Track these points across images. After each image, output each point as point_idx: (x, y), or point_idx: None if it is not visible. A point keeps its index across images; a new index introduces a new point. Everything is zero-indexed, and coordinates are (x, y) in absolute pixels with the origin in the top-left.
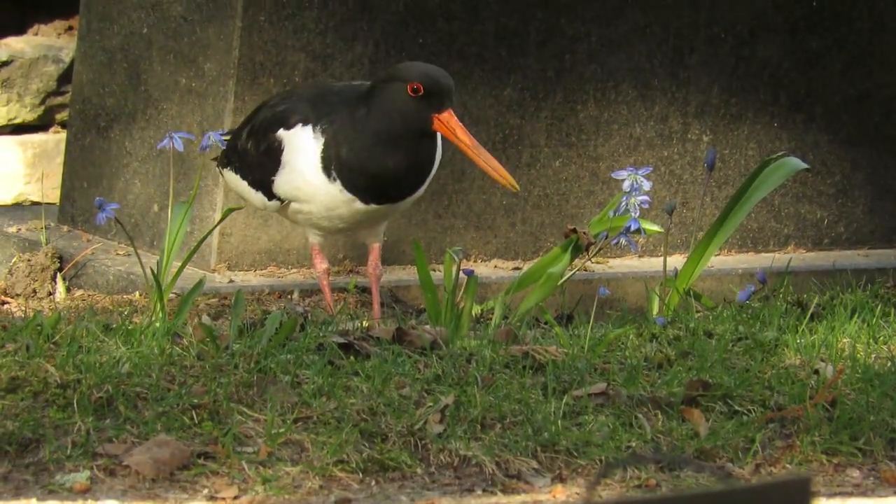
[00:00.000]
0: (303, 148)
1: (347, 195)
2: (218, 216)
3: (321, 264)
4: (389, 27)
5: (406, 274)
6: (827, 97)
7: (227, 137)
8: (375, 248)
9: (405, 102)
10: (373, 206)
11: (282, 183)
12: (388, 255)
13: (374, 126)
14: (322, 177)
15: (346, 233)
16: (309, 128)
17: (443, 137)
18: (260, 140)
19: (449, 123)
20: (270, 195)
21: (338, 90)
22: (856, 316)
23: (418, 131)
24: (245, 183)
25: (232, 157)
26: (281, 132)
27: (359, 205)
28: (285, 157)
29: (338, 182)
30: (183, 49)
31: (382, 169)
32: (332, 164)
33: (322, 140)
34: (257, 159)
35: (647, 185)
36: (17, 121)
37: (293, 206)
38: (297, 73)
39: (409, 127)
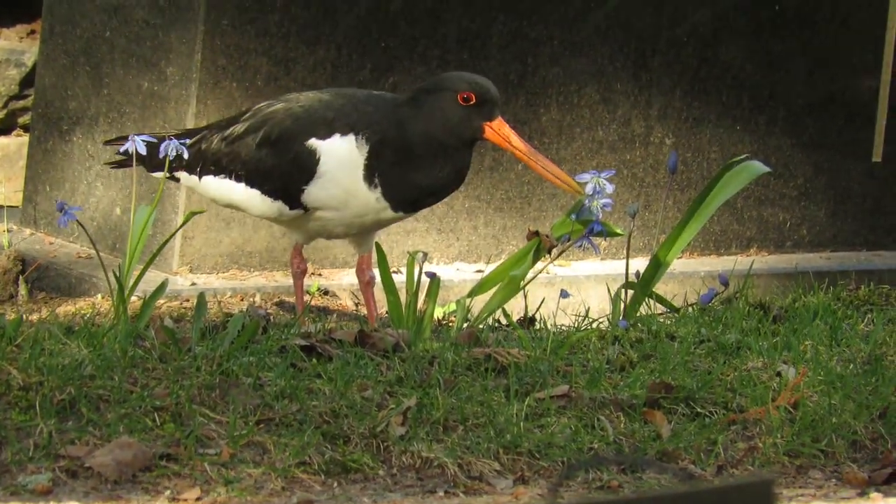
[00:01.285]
0: (344, 158)
1: (383, 203)
2: (180, 219)
3: (301, 265)
4: (352, 31)
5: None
6: (790, 100)
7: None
8: (366, 256)
9: (456, 112)
10: (400, 213)
11: (315, 191)
12: (352, 259)
13: (424, 136)
14: (363, 186)
15: (348, 237)
16: (350, 137)
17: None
18: (283, 149)
19: (501, 131)
20: (295, 204)
21: (365, 98)
22: (818, 318)
23: (470, 140)
24: (244, 191)
25: (219, 165)
26: (314, 141)
27: (389, 212)
28: (322, 167)
29: (378, 190)
30: (145, 53)
31: (432, 179)
32: (376, 173)
33: (366, 149)
34: (281, 168)
35: (609, 188)
36: None
37: (318, 213)
38: (260, 77)
39: (461, 136)
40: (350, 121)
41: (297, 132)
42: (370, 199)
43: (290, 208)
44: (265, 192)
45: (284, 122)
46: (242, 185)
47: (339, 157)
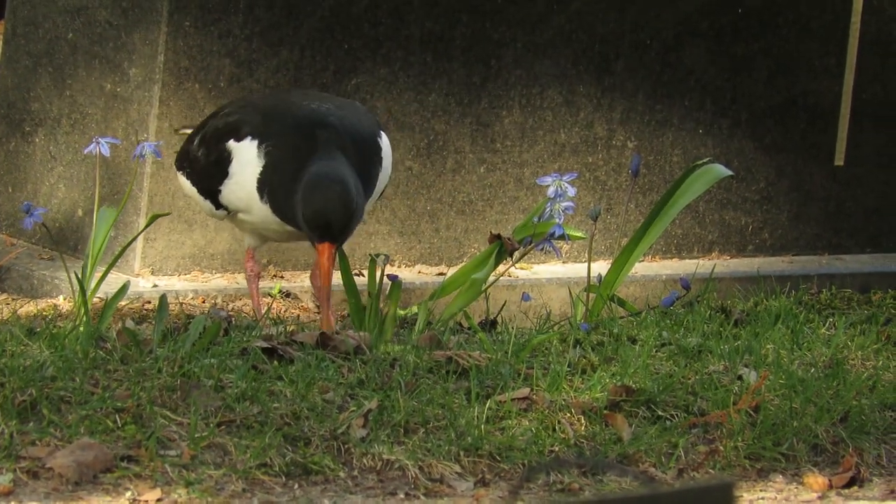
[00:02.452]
0: (246, 163)
1: (277, 218)
2: (142, 221)
3: (253, 268)
4: (315, 33)
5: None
6: (752, 103)
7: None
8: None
9: (303, 217)
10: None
11: (227, 193)
12: (311, 260)
13: (294, 197)
14: (256, 196)
15: (290, 242)
16: (255, 144)
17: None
18: (210, 149)
19: (321, 255)
20: (217, 204)
21: (294, 109)
22: (779, 322)
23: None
24: (195, 189)
25: (184, 163)
26: (231, 143)
27: (290, 228)
28: (232, 168)
29: (268, 205)
30: (108, 54)
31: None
32: (266, 189)
33: (262, 163)
34: (206, 168)
35: (571, 191)
36: None
37: (239, 215)
38: (223, 79)
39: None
40: (264, 127)
41: (222, 133)
42: (267, 212)
43: (216, 208)
44: (199, 190)
45: (218, 122)
46: (189, 182)
47: (243, 160)
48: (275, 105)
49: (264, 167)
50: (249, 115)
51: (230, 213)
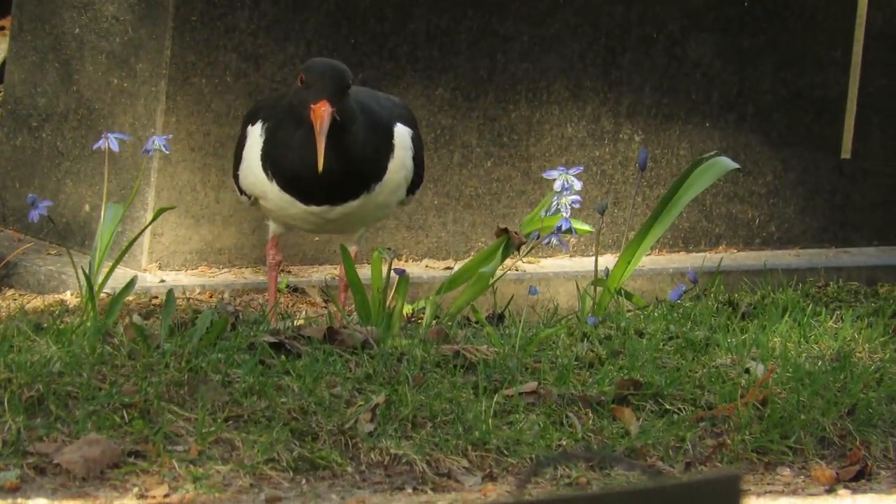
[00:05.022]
0: (253, 143)
1: (287, 195)
2: (149, 216)
3: (275, 256)
4: (321, 27)
5: (339, 273)
6: (759, 97)
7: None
8: (354, 252)
9: (295, 94)
10: (314, 208)
11: (242, 177)
12: (320, 255)
13: (286, 123)
14: (262, 175)
15: (319, 234)
16: (259, 124)
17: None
18: (239, 137)
19: (316, 111)
20: (241, 190)
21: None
22: (787, 315)
23: (307, 122)
24: (234, 180)
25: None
26: (248, 128)
27: (301, 206)
28: (245, 152)
29: (274, 182)
30: (115, 49)
31: (296, 167)
32: (268, 162)
33: (263, 139)
34: (235, 155)
35: (578, 185)
36: None
37: (260, 202)
38: (229, 73)
39: (300, 118)
40: (273, 111)
41: (245, 119)
42: (275, 190)
43: (240, 193)
44: (233, 177)
45: (250, 108)
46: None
47: (251, 141)
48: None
49: (265, 142)
50: (269, 101)
51: (251, 201)
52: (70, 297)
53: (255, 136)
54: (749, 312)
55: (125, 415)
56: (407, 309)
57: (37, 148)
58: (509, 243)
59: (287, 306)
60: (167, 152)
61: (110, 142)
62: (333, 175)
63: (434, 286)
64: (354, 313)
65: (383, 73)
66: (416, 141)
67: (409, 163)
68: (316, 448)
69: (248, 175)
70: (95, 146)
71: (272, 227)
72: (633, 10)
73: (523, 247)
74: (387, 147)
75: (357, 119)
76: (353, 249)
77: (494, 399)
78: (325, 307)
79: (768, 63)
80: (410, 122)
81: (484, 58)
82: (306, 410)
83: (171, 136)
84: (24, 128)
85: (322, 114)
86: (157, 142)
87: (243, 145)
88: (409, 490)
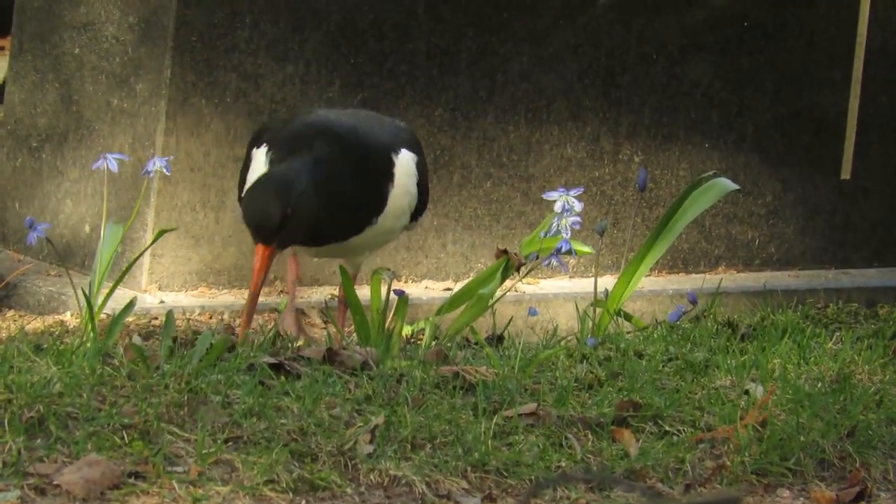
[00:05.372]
0: (256, 168)
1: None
2: (149, 237)
3: (291, 273)
4: (321, 47)
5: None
6: (758, 117)
7: None
8: (351, 276)
9: None
10: (305, 248)
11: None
12: (319, 276)
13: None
14: None
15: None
16: (264, 149)
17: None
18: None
19: (255, 257)
20: None
21: (310, 118)
22: (786, 337)
23: None
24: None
25: None
26: (253, 150)
27: (305, 248)
28: (249, 174)
29: None
30: (115, 69)
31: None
32: None
33: (267, 165)
34: (241, 174)
35: (578, 206)
36: None
37: None
38: (229, 93)
39: None
40: (276, 135)
41: (251, 140)
42: None
43: None
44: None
45: (256, 130)
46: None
47: (255, 165)
48: (300, 114)
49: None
50: (275, 124)
51: None
52: (70, 318)
53: (260, 159)
54: (748, 334)
55: (125, 436)
56: (406, 330)
57: (37, 168)
58: (509, 264)
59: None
60: (168, 174)
61: (109, 162)
62: (324, 235)
63: (433, 307)
64: (354, 334)
65: (382, 92)
66: (421, 167)
67: (413, 189)
68: (315, 469)
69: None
70: (94, 166)
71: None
72: (633, 30)
73: (523, 268)
74: (386, 177)
75: (332, 192)
76: (352, 273)
77: (494, 420)
78: (324, 328)
79: (768, 83)
80: (415, 148)
81: (483, 78)
82: (306, 431)
83: (172, 157)
84: (24, 148)
85: (255, 265)
86: (158, 163)
87: (248, 167)
88: None
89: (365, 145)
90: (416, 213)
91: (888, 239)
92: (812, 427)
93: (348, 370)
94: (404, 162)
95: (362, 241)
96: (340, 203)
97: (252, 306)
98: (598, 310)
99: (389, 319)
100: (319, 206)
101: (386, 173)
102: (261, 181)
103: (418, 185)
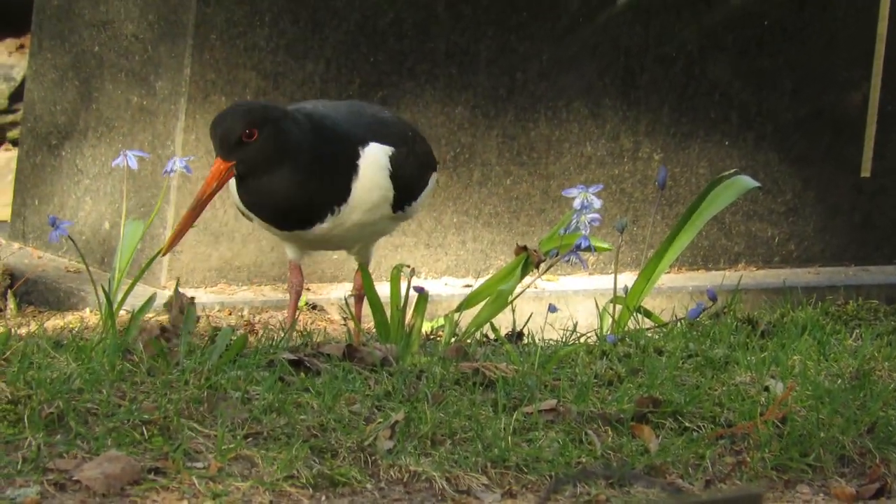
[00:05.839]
0: None
1: (258, 220)
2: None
3: (293, 279)
4: (341, 46)
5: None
6: (778, 116)
7: None
8: (360, 268)
9: None
10: (287, 233)
11: (234, 200)
12: (339, 273)
13: None
14: (238, 199)
15: (319, 251)
16: None
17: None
18: None
19: (210, 174)
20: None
21: (291, 108)
22: (806, 333)
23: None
24: None
25: None
26: None
27: (275, 230)
28: None
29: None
30: (134, 67)
31: (249, 200)
32: (238, 189)
33: None
34: None
35: (597, 203)
36: None
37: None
38: (249, 92)
39: None
40: None
41: None
42: (252, 215)
43: (243, 214)
44: None
45: None
46: None
47: None
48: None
49: None
50: None
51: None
52: (89, 315)
53: None
54: (768, 331)
55: (145, 431)
56: (426, 326)
57: (56, 166)
58: (528, 261)
59: (306, 324)
60: (190, 174)
61: (129, 160)
62: (266, 209)
63: (453, 304)
64: (373, 330)
65: (403, 91)
66: (400, 158)
67: (386, 182)
68: (335, 465)
69: (233, 193)
70: (114, 164)
71: (287, 253)
72: (652, 30)
73: (542, 264)
74: (350, 168)
75: (290, 150)
76: (360, 266)
77: (514, 416)
78: (343, 324)
79: (787, 82)
80: (395, 140)
81: (503, 76)
82: (325, 427)
83: (192, 157)
84: (43, 145)
85: (209, 178)
86: (178, 164)
87: None
88: None
89: (331, 134)
90: (398, 206)
91: None
92: (832, 423)
93: (368, 366)
94: (372, 154)
95: (334, 231)
96: (296, 169)
97: (189, 220)
98: (618, 306)
99: (409, 316)
100: (279, 149)
101: (350, 165)
102: (238, 102)
103: (394, 178)
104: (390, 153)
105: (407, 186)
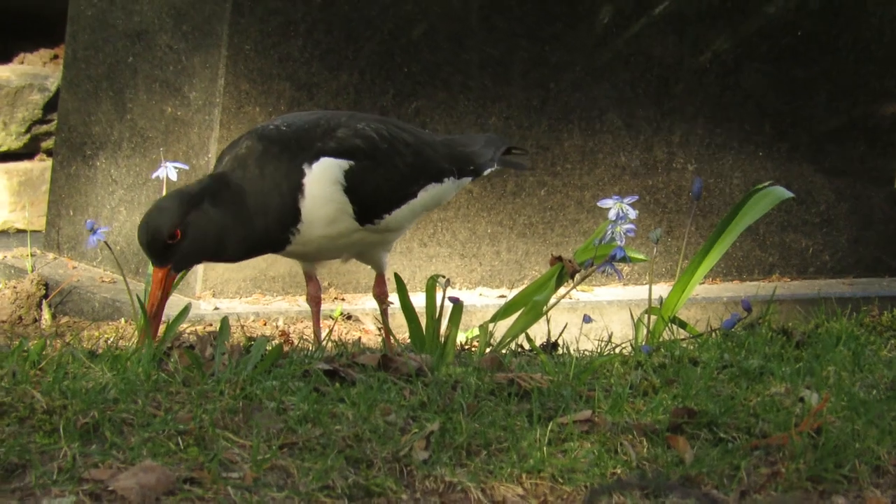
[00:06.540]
0: None
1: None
2: None
3: (308, 290)
4: (375, 56)
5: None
6: (812, 127)
7: None
8: (375, 276)
9: None
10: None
11: None
12: (371, 282)
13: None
14: None
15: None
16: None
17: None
18: None
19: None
20: None
21: (241, 147)
22: (841, 344)
23: None
24: None
25: None
26: None
27: (290, 247)
28: None
29: None
30: (168, 78)
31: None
32: None
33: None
34: None
35: (632, 214)
36: (3, 149)
37: None
38: (283, 102)
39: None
40: (227, 147)
41: None
42: None
43: None
44: None
45: None
46: None
47: None
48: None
49: None
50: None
51: None
52: (124, 325)
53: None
54: (803, 341)
55: (180, 441)
56: (460, 337)
57: (91, 176)
58: (563, 272)
59: (341, 334)
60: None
61: (168, 170)
62: (229, 257)
63: (488, 314)
64: (408, 341)
65: (436, 102)
66: (358, 172)
67: (340, 196)
68: (371, 475)
69: None
70: (153, 175)
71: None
72: (686, 40)
73: (577, 275)
74: (293, 191)
75: (219, 223)
76: (376, 273)
77: (549, 427)
78: (378, 334)
79: (822, 93)
80: (358, 154)
81: (537, 87)
82: (361, 438)
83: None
84: (77, 156)
85: (153, 289)
86: (170, 166)
87: None
88: None
89: (268, 170)
90: (363, 219)
91: None
92: (867, 434)
93: (403, 377)
94: (320, 171)
95: (307, 248)
96: (238, 222)
97: (153, 327)
98: (653, 317)
99: (444, 326)
100: (207, 234)
101: (294, 187)
102: (155, 202)
103: (350, 192)
104: (346, 167)
105: (369, 200)
